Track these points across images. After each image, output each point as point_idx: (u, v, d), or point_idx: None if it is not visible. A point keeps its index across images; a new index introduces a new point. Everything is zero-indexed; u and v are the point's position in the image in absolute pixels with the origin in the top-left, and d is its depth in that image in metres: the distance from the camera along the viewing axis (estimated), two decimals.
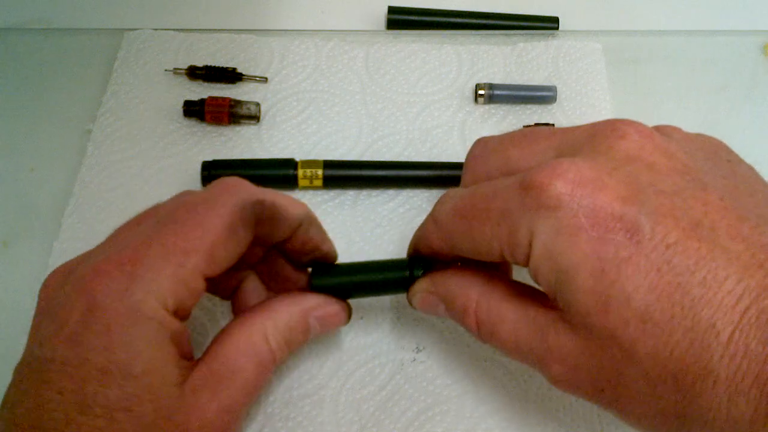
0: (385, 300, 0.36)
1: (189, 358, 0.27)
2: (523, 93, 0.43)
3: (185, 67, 0.44)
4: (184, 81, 0.44)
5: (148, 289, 0.25)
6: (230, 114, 0.41)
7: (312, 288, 0.31)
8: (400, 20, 0.47)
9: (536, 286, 0.26)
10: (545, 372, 0.26)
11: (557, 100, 0.44)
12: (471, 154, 0.32)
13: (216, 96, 0.42)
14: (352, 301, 0.31)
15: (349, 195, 0.40)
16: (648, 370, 0.23)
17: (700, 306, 0.22)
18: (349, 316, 0.31)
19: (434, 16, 0.48)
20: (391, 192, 0.40)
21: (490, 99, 0.43)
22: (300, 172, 0.39)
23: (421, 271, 0.31)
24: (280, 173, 0.39)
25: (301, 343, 0.30)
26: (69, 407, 0.23)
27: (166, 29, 0.46)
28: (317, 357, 0.34)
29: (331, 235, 0.31)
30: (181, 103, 0.42)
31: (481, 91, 0.43)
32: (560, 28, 0.47)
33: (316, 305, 0.30)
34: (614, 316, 0.23)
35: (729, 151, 0.28)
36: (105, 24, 0.47)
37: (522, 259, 0.25)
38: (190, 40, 0.45)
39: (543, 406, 0.33)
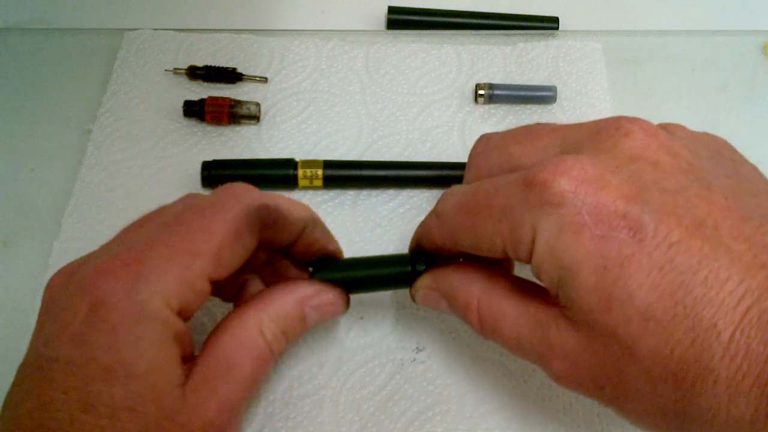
0: (386, 300, 0.36)
1: (191, 358, 0.27)
2: (523, 93, 0.43)
3: (185, 67, 0.44)
4: (184, 81, 0.44)
5: (153, 289, 0.25)
6: (230, 114, 0.41)
7: None
8: (400, 20, 0.47)
9: (538, 282, 0.26)
10: (546, 368, 0.26)
11: (557, 100, 0.44)
12: (474, 150, 0.32)
13: (216, 96, 0.42)
14: (352, 298, 0.31)
15: (349, 195, 0.40)
16: (649, 368, 0.23)
17: (701, 305, 0.22)
18: (348, 305, 0.31)
19: (434, 16, 0.48)
20: (391, 192, 0.40)
21: (490, 99, 0.43)
22: (300, 172, 0.39)
23: (423, 266, 0.31)
24: (280, 173, 0.39)
25: (299, 333, 0.29)
26: (73, 406, 0.23)
27: (166, 29, 0.46)
28: (317, 357, 0.34)
29: None
30: (181, 103, 0.42)
31: (481, 91, 0.43)
32: (560, 28, 0.47)
33: (312, 294, 0.30)
34: (616, 314, 0.23)
35: (733, 150, 0.28)
36: (105, 24, 0.47)
37: (524, 255, 0.25)
38: (190, 40, 0.45)
39: (543, 406, 0.33)
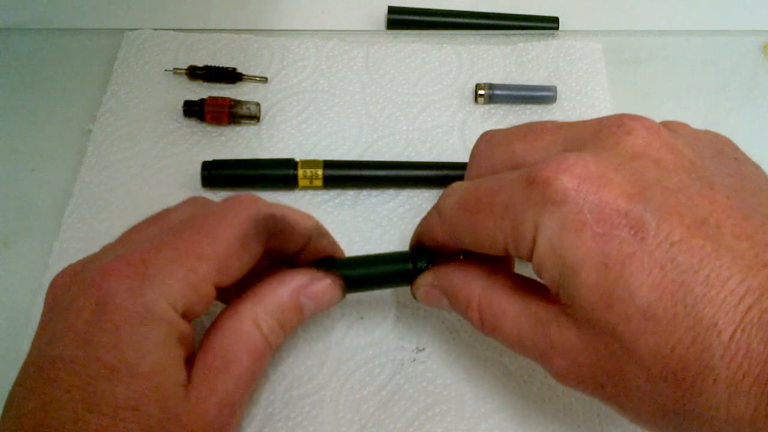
0: (385, 300, 0.36)
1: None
2: (523, 93, 0.43)
3: (185, 67, 0.44)
4: (184, 81, 0.44)
5: (158, 291, 0.25)
6: (230, 114, 0.41)
7: None
8: (400, 20, 0.47)
9: (539, 279, 0.26)
10: (547, 366, 0.26)
11: (557, 100, 0.44)
12: (476, 147, 0.32)
13: (216, 96, 0.42)
14: (352, 297, 0.31)
15: (349, 195, 0.40)
16: (649, 367, 0.23)
17: (702, 304, 0.22)
18: (344, 291, 0.30)
19: (434, 16, 0.48)
20: (391, 192, 0.40)
21: (490, 99, 0.43)
22: (300, 172, 0.39)
23: (424, 263, 0.31)
24: (280, 173, 0.39)
25: (296, 324, 0.29)
26: (76, 405, 0.23)
27: (166, 29, 0.46)
28: (317, 357, 0.34)
29: None
30: (181, 103, 0.42)
31: (481, 91, 0.43)
32: (560, 28, 0.47)
33: (306, 283, 0.29)
34: (617, 312, 0.23)
35: (735, 149, 0.28)
36: (105, 24, 0.47)
37: (526, 253, 0.25)
38: (190, 40, 0.45)
39: (543, 406, 0.33)
